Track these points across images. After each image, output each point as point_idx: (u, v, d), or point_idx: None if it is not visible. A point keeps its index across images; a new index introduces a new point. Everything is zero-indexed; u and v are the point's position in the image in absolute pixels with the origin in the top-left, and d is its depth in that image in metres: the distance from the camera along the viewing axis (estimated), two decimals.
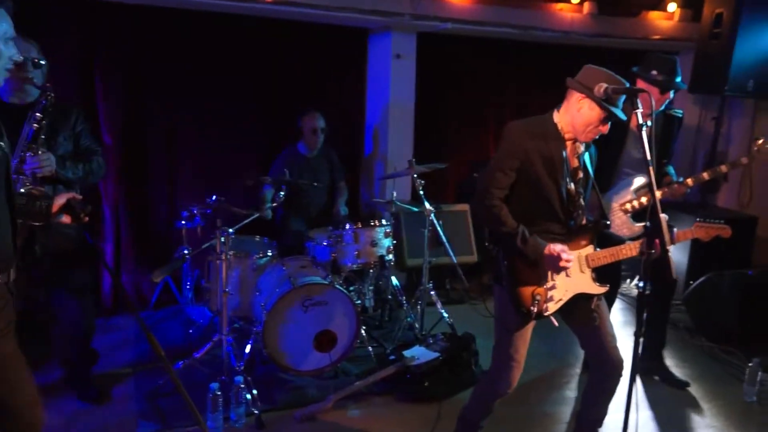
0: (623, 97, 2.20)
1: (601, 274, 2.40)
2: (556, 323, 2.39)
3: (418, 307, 3.94)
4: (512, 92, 5.50)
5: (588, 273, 2.39)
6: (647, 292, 1.99)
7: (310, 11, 3.98)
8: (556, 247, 2.23)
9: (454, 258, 4.10)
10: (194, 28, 4.27)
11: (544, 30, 4.80)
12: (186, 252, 3.87)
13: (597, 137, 2.29)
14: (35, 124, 2.55)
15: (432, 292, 3.99)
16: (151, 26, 4.14)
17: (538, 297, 2.29)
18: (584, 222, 2.41)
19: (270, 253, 3.77)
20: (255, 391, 3.05)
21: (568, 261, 2.24)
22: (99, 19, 3.95)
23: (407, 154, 4.72)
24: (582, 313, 2.39)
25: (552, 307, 2.34)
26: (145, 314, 4.26)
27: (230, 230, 3.14)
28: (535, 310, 2.28)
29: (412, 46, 4.73)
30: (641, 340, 1.98)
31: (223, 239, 3.18)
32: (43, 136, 2.58)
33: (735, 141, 5.57)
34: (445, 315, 3.96)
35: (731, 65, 4.57)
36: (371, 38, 4.89)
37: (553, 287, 2.33)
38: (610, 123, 2.25)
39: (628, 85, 2.20)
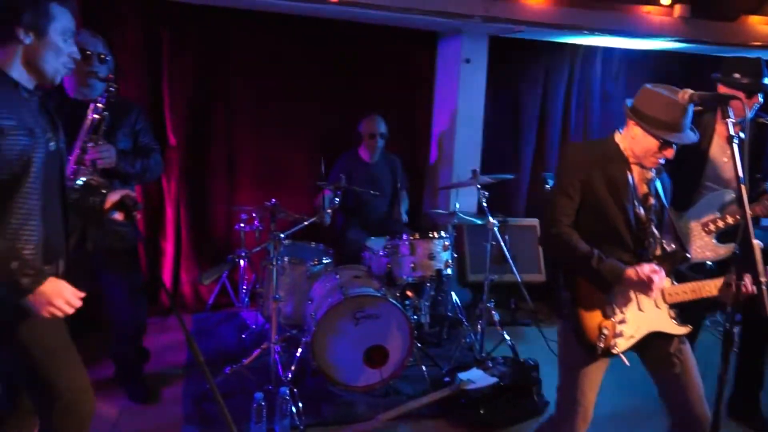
0: (689, 116, 2.03)
1: (682, 311, 2.17)
2: (627, 362, 2.16)
3: (479, 326, 3.78)
4: (591, 101, 5.25)
5: (665, 309, 2.16)
6: (735, 329, 1.76)
7: (376, 13, 3.92)
8: (644, 267, 2.03)
9: (518, 276, 3.92)
10: (258, 29, 4.32)
11: (628, 34, 4.53)
12: (243, 254, 3.91)
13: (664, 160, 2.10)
14: (97, 115, 2.60)
15: (494, 312, 3.82)
16: (216, 26, 4.22)
17: (605, 331, 2.08)
18: (659, 252, 2.19)
19: (325, 261, 3.73)
20: (301, 404, 2.99)
21: (659, 282, 2.03)
22: (165, 17, 4.06)
23: (474, 163, 4.60)
24: (660, 357, 2.15)
25: (622, 345, 2.12)
26: (201, 316, 4.33)
27: (282, 235, 3.10)
28: (602, 345, 2.08)
29: (482, 51, 4.61)
30: (729, 383, 1.75)
31: (276, 244, 3.15)
32: (104, 127, 2.63)
33: None
34: (507, 337, 3.77)
35: None
36: (440, 42, 4.81)
37: (622, 321, 2.11)
38: (675, 146, 2.07)
39: (692, 109, 2.03)
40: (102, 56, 2.76)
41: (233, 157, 4.46)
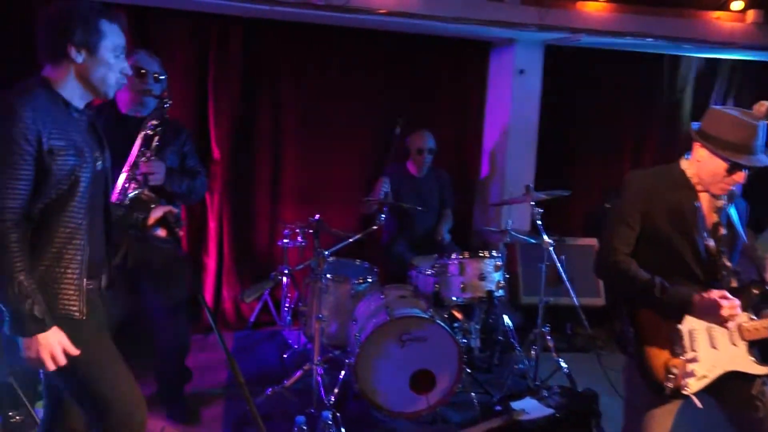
0: (762, 138, 1.95)
1: (763, 348, 2.05)
2: (700, 404, 2.04)
3: (533, 352, 3.68)
4: (655, 111, 5.11)
5: (743, 347, 2.04)
6: None
7: (425, 23, 3.94)
8: (713, 293, 1.93)
9: (576, 299, 3.81)
10: (304, 41, 4.40)
11: (696, 42, 4.39)
12: (285, 271, 3.94)
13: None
14: (149, 131, 2.70)
15: (549, 337, 3.72)
16: (262, 40, 4.32)
17: (674, 370, 1.97)
18: (734, 285, 2.08)
19: (370, 279, 3.71)
20: (344, 430, 2.95)
21: (732, 308, 1.93)
22: (213, 32, 4.18)
23: (528, 179, 4.51)
24: (739, 399, 2.03)
25: (694, 385, 2.00)
26: (242, 334, 4.37)
27: (326, 252, 3.10)
28: (671, 385, 1.97)
29: (537, 60, 4.57)
30: None
31: (320, 261, 3.15)
32: (156, 143, 2.71)
33: None
34: (564, 365, 3.65)
35: None
36: (493, 52, 4.79)
37: (693, 360, 2.00)
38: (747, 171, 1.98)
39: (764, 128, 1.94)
40: (157, 75, 2.87)
41: (277, 172, 4.52)
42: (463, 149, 4.94)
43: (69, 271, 1.78)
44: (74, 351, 1.76)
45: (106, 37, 1.83)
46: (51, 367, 1.73)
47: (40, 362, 1.72)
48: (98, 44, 1.82)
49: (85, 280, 1.83)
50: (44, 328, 1.70)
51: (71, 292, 1.79)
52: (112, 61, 1.86)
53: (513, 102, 4.57)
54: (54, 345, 1.72)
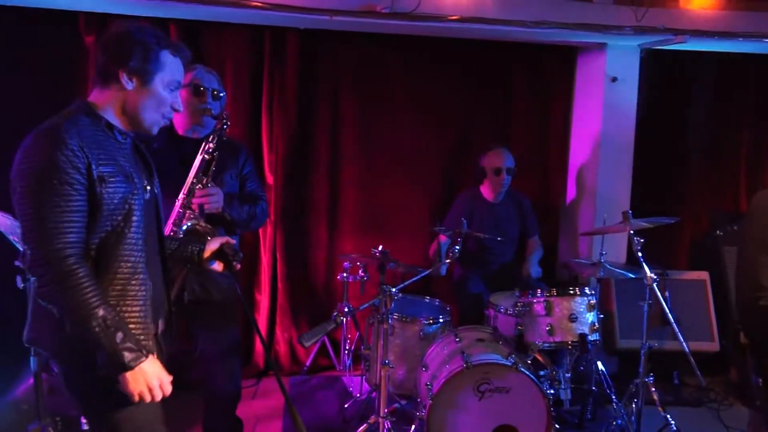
0: None
1: None
2: None
3: (633, 405, 3.61)
4: None
5: None
6: None
7: (503, 28, 3.99)
8: None
9: (684, 344, 3.71)
10: (366, 53, 4.54)
11: None
12: (347, 310, 4.01)
13: None
14: (206, 155, 2.79)
15: (653, 388, 3.62)
16: (320, 51, 4.49)
17: None
18: None
19: (442, 320, 3.74)
20: None
21: None
22: (265, 44, 4.37)
23: (622, 203, 4.49)
24: None
25: None
26: (297, 379, 4.45)
27: (394, 289, 3.16)
28: None
29: (633, 67, 4.54)
30: None
31: (386, 299, 3.21)
32: (213, 168, 2.81)
33: None
34: (672, 421, 3.57)
35: None
36: (580, 58, 4.80)
37: None
38: None
39: None
40: (216, 92, 2.96)
41: (335, 197, 4.64)
42: (546, 169, 4.94)
43: (135, 309, 1.89)
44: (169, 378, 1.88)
45: (163, 70, 1.95)
46: (158, 396, 1.84)
47: (150, 392, 1.83)
48: (154, 75, 1.93)
49: (150, 318, 1.94)
50: (144, 356, 1.81)
51: (139, 332, 1.89)
52: (164, 94, 1.97)
53: (604, 114, 4.54)
54: (159, 371, 1.85)
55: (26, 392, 3.44)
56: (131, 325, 1.87)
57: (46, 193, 1.73)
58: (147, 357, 1.82)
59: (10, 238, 2.91)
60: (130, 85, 1.91)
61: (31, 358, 2.86)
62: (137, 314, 1.90)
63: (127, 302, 1.88)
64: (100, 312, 1.75)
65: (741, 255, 2.11)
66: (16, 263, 2.78)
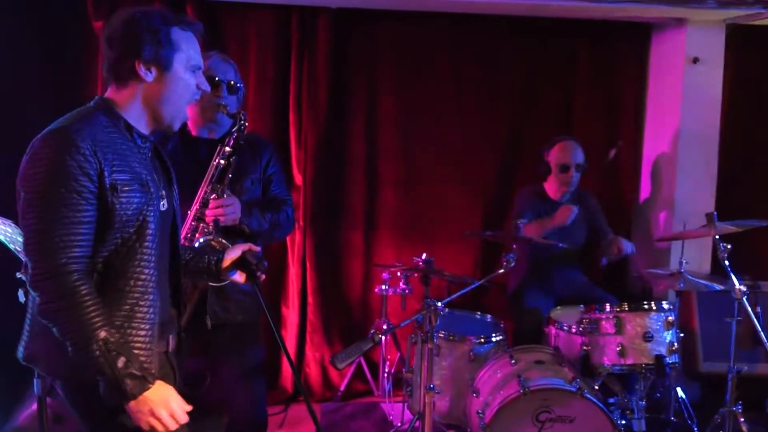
0: None
1: None
2: None
3: None
4: None
5: None
6: None
7: (564, 3, 3.98)
8: None
9: None
10: (405, 35, 4.53)
11: None
12: (386, 327, 3.98)
13: None
14: (222, 161, 2.75)
15: (741, 418, 3.57)
16: (354, 33, 4.49)
17: None
18: None
19: (495, 338, 3.71)
20: None
21: None
22: (293, 26, 4.39)
23: (707, 204, 4.40)
24: None
25: None
26: (330, 406, 4.45)
27: (439, 303, 3.11)
28: None
29: (717, 46, 4.48)
30: None
31: (431, 315, 3.16)
32: (230, 175, 2.78)
33: None
34: None
35: None
36: (655, 36, 4.75)
37: None
38: None
39: None
40: (232, 83, 2.92)
41: (373, 200, 4.64)
42: (614, 165, 4.82)
43: (141, 332, 1.88)
44: (186, 408, 1.87)
45: (180, 48, 1.94)
46: (172, 426, 1.83)
47: (159, 424, 1.81)
48: (172, 58, 1.92)
49: (155, 341, 1.93)
50: (149, 383, 1.80)
51: (143, 357, 1.87)
52: (185, 77, 1.96)
53: (684, 101, 4.50)
54: (169, 398, 1.83)
55: (29, 419, 3.47)
56: (136, 350, 1.85)
57: (52, 202, 1.74)
58: (152, 384, 1.80)
59: (12, 247, 2.93)
60: (149, 77, 1.91)
61: (35, 380, 2.87)
62: (143, 338, 1.89)
63: (134, 324, 1.87)
64: (102, 334, 1.74)
65: None
66: (18, 275, 2.80)
